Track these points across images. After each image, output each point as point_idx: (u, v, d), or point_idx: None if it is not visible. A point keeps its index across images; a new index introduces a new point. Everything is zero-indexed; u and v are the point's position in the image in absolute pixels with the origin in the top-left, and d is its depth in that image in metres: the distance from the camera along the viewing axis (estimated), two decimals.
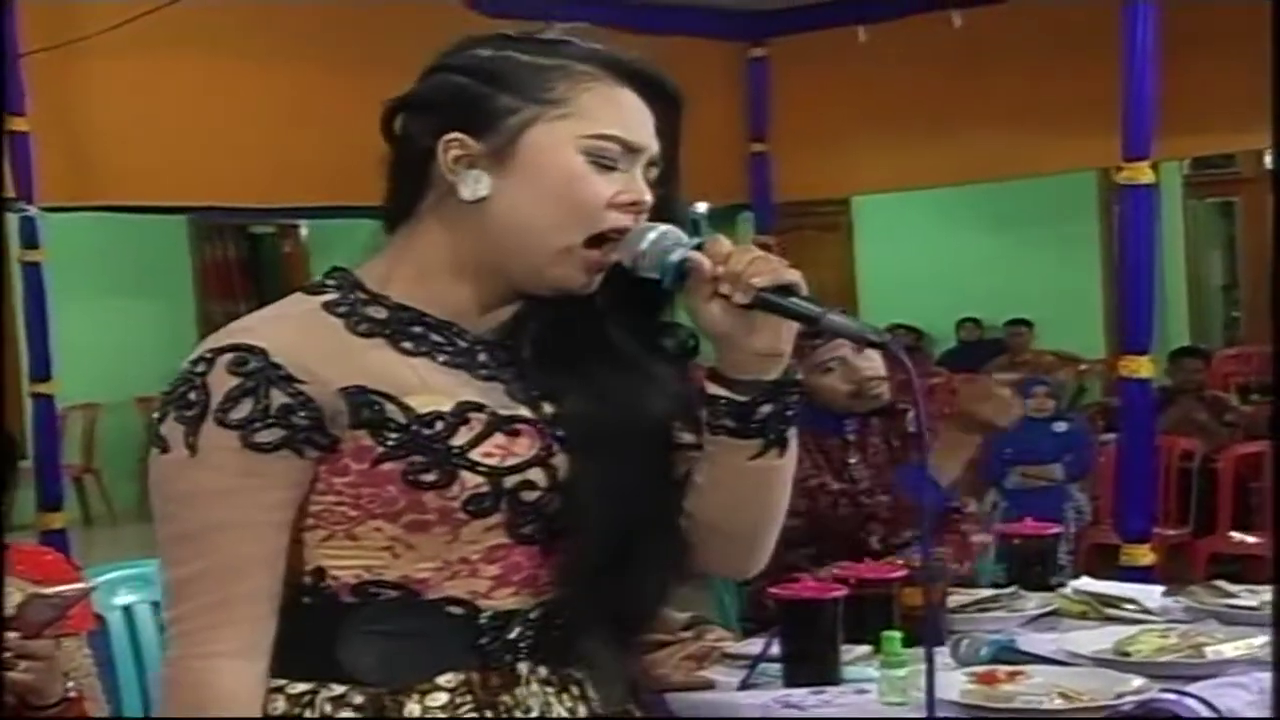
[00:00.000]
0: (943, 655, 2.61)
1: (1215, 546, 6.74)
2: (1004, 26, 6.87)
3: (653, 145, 1.48)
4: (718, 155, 7.45)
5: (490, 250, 1.46)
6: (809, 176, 7.61)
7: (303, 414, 1.38)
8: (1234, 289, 11.28)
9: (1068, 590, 3.01)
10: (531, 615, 1.45)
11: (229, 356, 1.40)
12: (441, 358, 1.45)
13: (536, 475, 1.42)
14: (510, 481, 1.41)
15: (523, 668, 1.45)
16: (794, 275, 1.42)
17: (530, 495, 1.42)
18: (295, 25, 6.28)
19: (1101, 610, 2.88)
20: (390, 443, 1.39)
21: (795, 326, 1.45)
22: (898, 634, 2.49)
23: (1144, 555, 4.86)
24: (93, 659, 2.54)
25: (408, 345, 1.45)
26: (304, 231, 11.56)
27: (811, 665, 2.55)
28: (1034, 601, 2.94)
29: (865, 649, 2.61)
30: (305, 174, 6.46)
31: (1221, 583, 2.97)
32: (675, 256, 1.45)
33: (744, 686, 2.58)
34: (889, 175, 7.63)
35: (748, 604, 3.38)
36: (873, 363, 3.26)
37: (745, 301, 1.41)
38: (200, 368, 1.41)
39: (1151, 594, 2.98)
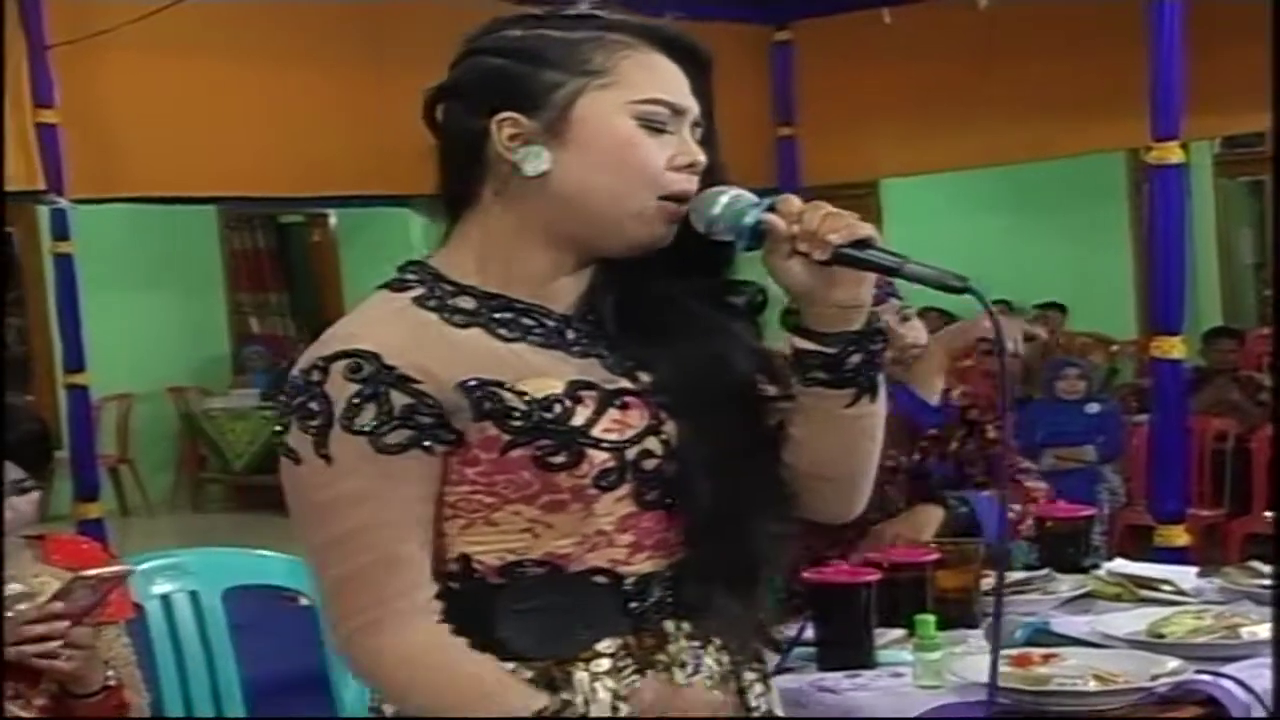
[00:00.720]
0: (976, 638, 2.61)
1: (1250, 527, 6.71)
2: (1030, 7, 6.82)
3: (694, 106, 1.52)
4: (744, 139, 7.40)
5: (563, 220, 1.49)
6: (836, 160, 7.58)
7: (425, 413, 1.42)
8: (1265, 268, 11.21)
9: (1102, 572, 3.00)
10: (667, 575, 1.50)
11: (343, 364, 1.42)
12: (536, 339, 1.49)
13: (653, 444, 1.47)
14: (632, 453, 1.46)
15: (669, 626, 1.51)
16: (868, 229, 1.46)
17: (650, 463, 1.47)
18: (323, 17, 6.29)
19: (1136, 592, 2.87)
20: (516, 429, 1.43)
21: (874, 278, 1.49)
22: (931, 617, 2.49)
23: (1178, 536, 4.85)
24: (131, 648, 2.56)
25: (503, 332, 1.48)
26: (333, 221, 11.58)
27: (845, 649, 2.55)
28: (1068, 584, 2.93)
29: (899, 633, 2.61)
30: (333, 164, 6.48)
31: (1256, 563, 2.96)
32: (750, 219, 1.48)
33: (778, 671, 2.57)
34: (916, 158, 7.60)
35: (783, 587, 3.38)
36: (916, 332, 3.26)
37: (824, 258, 1.45)
38: (315, 376, 1.43)
39: (1186, 575, 2.97)
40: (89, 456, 5.79)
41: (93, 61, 5.67)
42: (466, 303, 1.49)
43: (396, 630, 1.42)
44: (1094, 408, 6.94)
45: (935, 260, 1.54)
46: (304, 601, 2.99)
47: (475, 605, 1.45)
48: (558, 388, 1.45)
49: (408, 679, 1.43)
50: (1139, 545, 5.43)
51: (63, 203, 5.64)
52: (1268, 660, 2.38)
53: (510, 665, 1.45)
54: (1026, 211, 10.33)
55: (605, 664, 1.47)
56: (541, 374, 1.45)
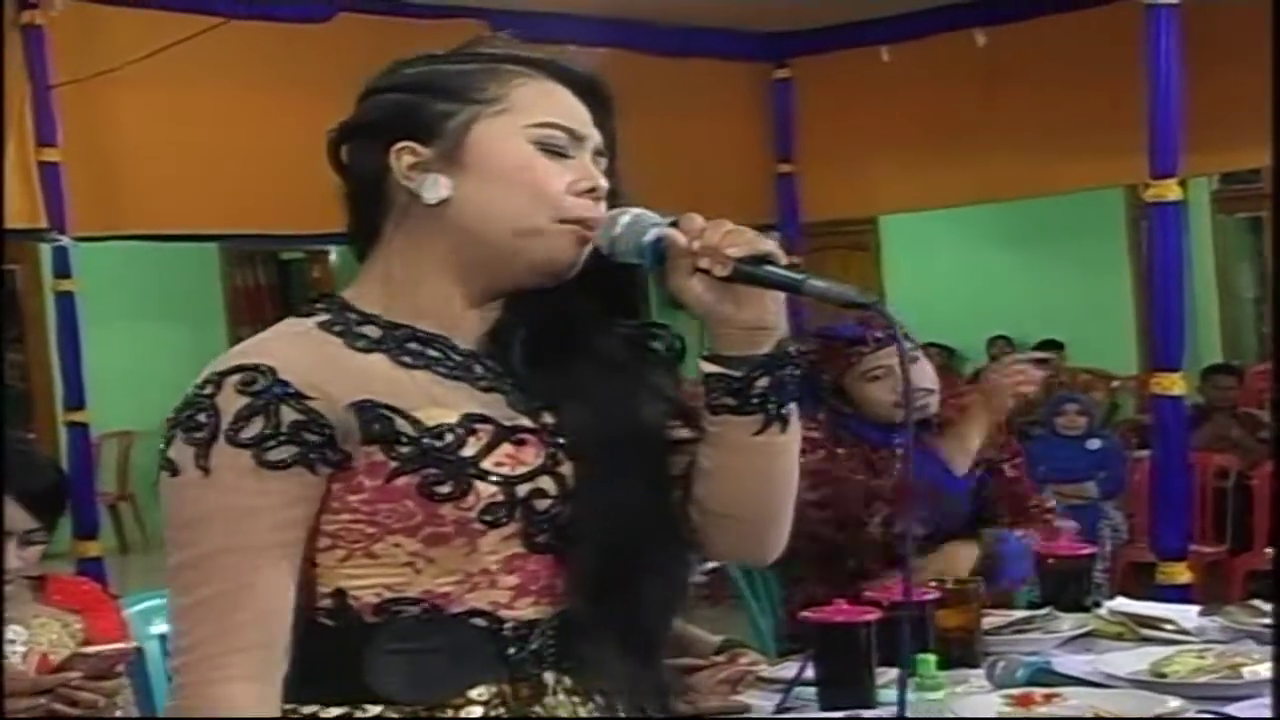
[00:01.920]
0: (978, 677, 2.60)
1: (1252, 563, 6.70)
2: (1027, 44, 6.87)
3: (595, 135, 1.51)
4: (744, 176, 7.47)
5: (464, 247, 1.47)
6: (835, 196, 7.61)
7: (314, 431, 1.38)
8: (1264, 303, 11.22)
9: (1104, 611, 2.99)
10: (552, 624, 1.46)
11: (237, 377, 1.40)
12: (441, 370, 1.46)
13: (546, 483, 1.43)
14: (523, 490, 1.42)
15: (549, 677, 1.46)
16: (770, 245, 1.42)
17: (542, 503, 1.42)
18: (324, 53, 6.31)
19: (1137, 631, 2.86)
20: (403, 456, 1.39)
21: (781, 297, 1.45)
22: (932, 657, 2.48)
23: (1181, 573, 4.84)
24: (130, 687, 2.55)
25: (407, 359, 1.45)
26: (333, 257, 11.61)
27: (846, 689, 2.54)
28: (1069, 622, 2.92)
29: (899, 672, 2.60)
30: (333, 200, 6.49)
31: (1258, 602, 2.95)
32: (650, 236, 1.45)
33: (779, 711, 2.57)
34: (915, 194, 7.62)
35: (783, 627, 3.38)
36: (922, 375, 3.26)
37: (724, 274, 1.41)
38: (208, 390, 1.41)
39: (1188, 614, 2.96)
40: (89, 494, 5.78)
41: (95, 100, 5.70)
42: (372, 331, 1.47)
43: (221, 685, 1.36)
44: (1095, 443, 6.94)
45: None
46: None
47: (346, 643, 1.41)
48: (451, 418, 1.41)
49: None
50: (1141, 582, 5.42)
51: (65, 240, 5.66)
52: (1269, 700, 2.37)
53: (376, 709, 1.40)
54: (1026, 246, 10.35)
55: (476, 712, 1.42)
56: (439, 403, 1.42)
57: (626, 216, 1.47)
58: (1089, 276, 10.18)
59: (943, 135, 7.20)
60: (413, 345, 1.46)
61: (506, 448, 1.42)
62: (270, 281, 11.82)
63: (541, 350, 1.49)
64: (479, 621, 1.42)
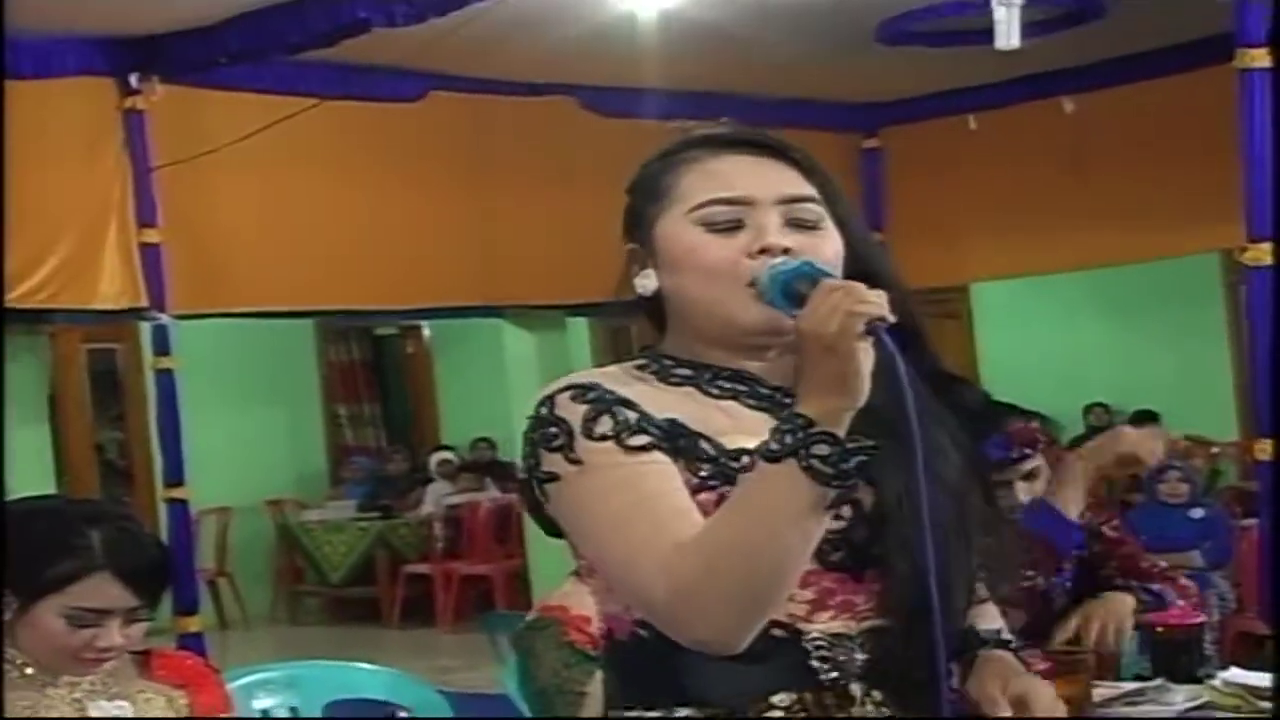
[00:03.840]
0: None
1: None
2: (1116, 110, 6.83)
3: (773, 190, 1.57)
4: None
5: (688, 323, 1.59)
6: (927, 264, 7.56)
7: (654, 424, 1.49)
8: None
9: (1217, 682, 2.91)
10: (858, 639, 1.52)
11: (568, 393, 1.52)
12: (749, 402, 1.56)
13: (841, 508, 1.47)
14: None
15: (856, 689, 1.52)
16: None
17: (834, 525, 1.47)
18: (420, 133, 6.42)
19: (1255, 703, 2.78)
20: (703, 474, 1.48)
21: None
22: None
23: None
24: None
25: (715, 390, 1.56)
26: (427, 332, 11.70)
27: None
28: (1182, 694, 2.85)
29: None
30: (428, 276, 6.57)
31: None
32: (779, 274, 1.50)
33: None
34: (1007, 262, 7.58)
35: None
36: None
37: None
38: (544, 409, 1.52)
39: None
40: (189, 570, 5.85)
41: (194, 181, 5.81)
42: (684, 370, 1.59)
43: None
44: (1198, 512, 6.79)
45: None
46: (403, 715, 2.98)
47: (660, 652, 1.48)
48: (751, 443, 1.47)
49: (710, 552, 1.41)
50: (1252, 653, 5.27)
51: (164, 319, 5.76)
52: None
53: (685, 712, 1.50)
54: (1121, 314, 10.22)
55: (776, 715, 1.49)
56: (743, 430, 1.51)
57: (779, 262, 1.51)
58: (1185, 343, 10.03)
59: (1033, 202, 7.16)
60: (723, 381, 1.57)
61: None
62: (365, 358, 11.92)
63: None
64: (778, 632, 1.49)
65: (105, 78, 5.65)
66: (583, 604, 2.70)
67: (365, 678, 3.03)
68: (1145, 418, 10.03)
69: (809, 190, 1.59)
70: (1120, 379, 10.22)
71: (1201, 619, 3.13)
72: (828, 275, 1.47)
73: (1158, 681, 2.90)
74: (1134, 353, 10.23)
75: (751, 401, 1.56)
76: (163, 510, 6.05)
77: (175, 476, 5.83)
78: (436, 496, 10.03)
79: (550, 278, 6.83)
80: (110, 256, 5.68)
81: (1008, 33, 5.06)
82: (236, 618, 10.00)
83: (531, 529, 2.88)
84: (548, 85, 6.50)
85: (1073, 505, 3.11)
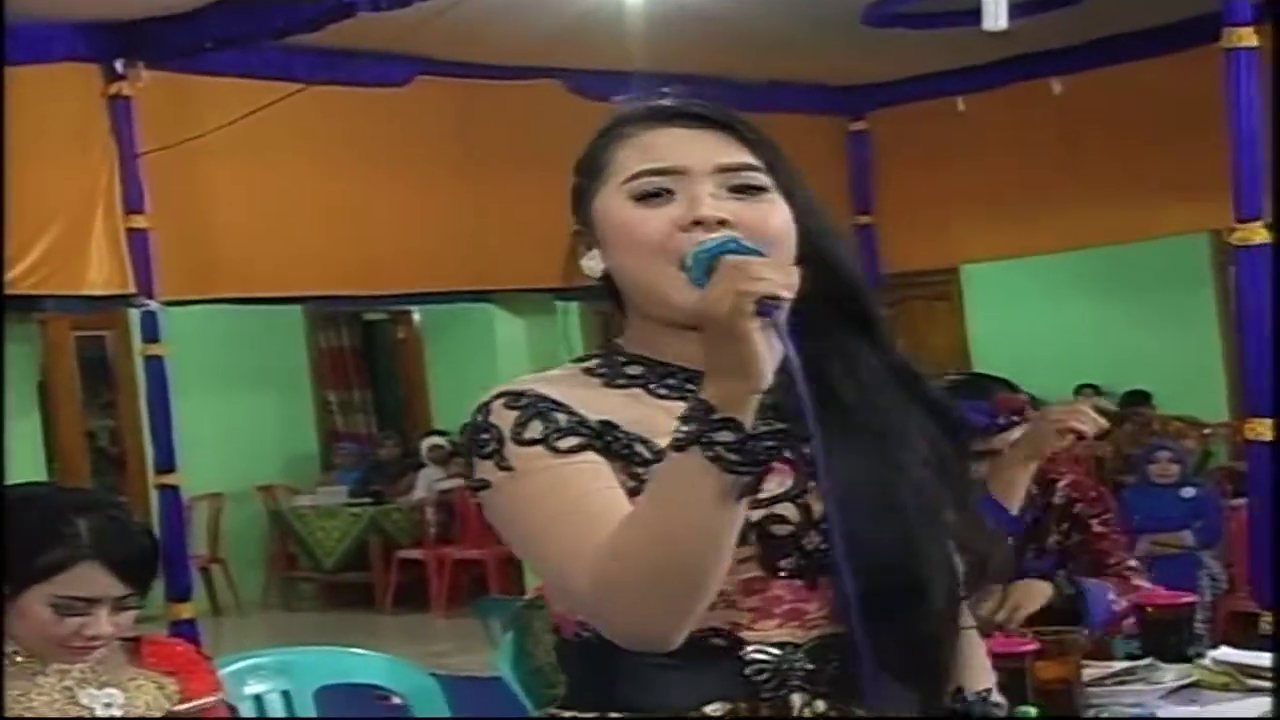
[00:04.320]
0: None
1: None
2: (1105, 91, 6.83)
3: (708, 159, 1.50)
4: None
5: (637, 305, 1.53)
6: (915, 247, 7.58)
7: (588, 425, 1.45)
8: None
9: (1207, 661, 2.92)
10: (803, 648, 1.46)
11: (502, 399, 1.48)
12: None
13: (787, 510, 1.44)
14: (756, 515, 1.42)
15: (796, 700, 1.46)
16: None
17: (782, 530, 1.44)
18: (399, 115, 6.40)
19: (1244, 681, 2.79)
20: (639, 477, 1.43)
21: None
22: (1032, 709, 2.44)
23: None
24: None
25: (662, 391, 1.51)
26: (417, 317, 11.68)
27: None
28: (1172, 673, 2.85)
29: None
30: (417, 261, 6.56)
31: None
32: (702, 251, 1.39)
33: None
34: (995, 243, 7.58)
35: None
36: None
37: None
38: (479, 416, 1.48)
39: None
40: (181, 556, 5.84)
41: (181, 167, 5.80)
42: (634, 369, 1.53)
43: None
44: (1189, 492, 6.80)
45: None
46: (395, 700, 2.98)
47: (601, 657, 1.45)
48: None
49: (625, 545, 1.35)
50: (1244, 632, 5.29)
51: (153, 305, 5.75)
52: None
53: (619, 716, 1.47)
54: (1111, 295, 10.23)
55: None
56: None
57: (704, 240, 1.42)
58: (1175, 323, 10.04)
59: (1022, 184, 7.16)
60: (671, 380, 1.51)
61: None
62: (354, 343, 11.91)
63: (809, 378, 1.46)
64: (717, 640, 1.44)
65: (91, 64, 5.64)
66: None
67: (358, 662, 3.04)
68: (1137, 398, 10.06)
69: (750, 159, 1.52)
70: (1111, 360, 10.23)
71: (1191, 600, 3.14)
72: (752, 252, 1.37)
73: (1147, 661, 2.91)
74: (1124, 334, 10.25)
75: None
76: (154, 497, 6.05)
77: (166, 463, 5.82)
78: (428, 482, 10.03)
79: (539, 262, 6.76)
80: (98, 243, 5.67)
81: (995, 14, 5.05)
82: (230, 604, 10.01)
83: None
84: (534, 69, 6.49)
85: (1013, 498, 3.05)
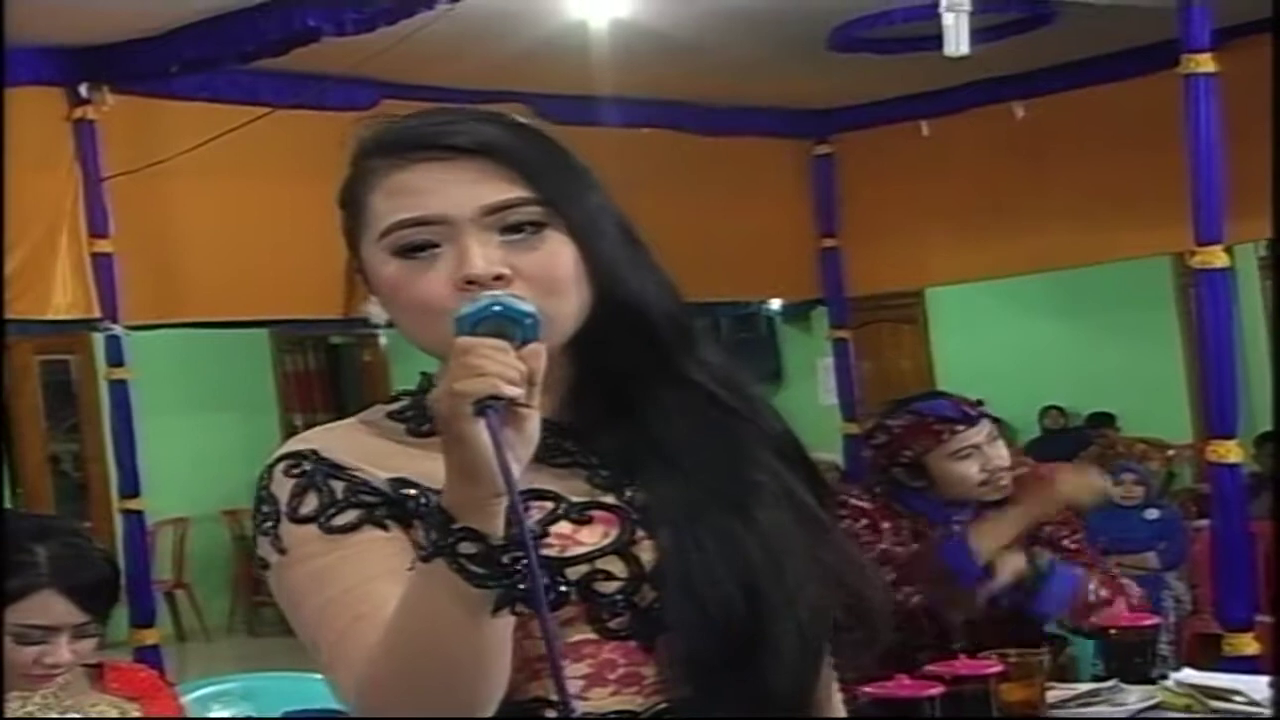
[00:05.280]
0: None
1: None
2: (1066, 116, 6.88)
3: (470, 202, 1.32)
4: (789, 252, 7.50)
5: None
6: (881, 270, 7.61)
7: (368, 495, 1.32)
8: None
9: (1170, 683, 2.94)
10: (643, 716, 1.34)
11: (283, 464, 1.36)
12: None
13: (613, 565, 1.32)
14: (576, 572, 1.31)
15: None
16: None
17: (608, 586, 1.31)
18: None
19: (1207, 703, 2.81)
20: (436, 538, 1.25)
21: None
22: None
23: (1248, 644, 4.77)
24: None
25: None
26: (383, 340, 11.68)
27: None
28: (1135, 695, 2.87)
29: None
30: None
31: None
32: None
33: None
34: (961, 266, 7.62)
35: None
36: (1002, 452, 3.27)
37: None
38: (263, 481, 1.37)
39: (1258, 685, 2.90)
40: (145, 582, 5.80)
41: (146, 191, 5.78)
42: None
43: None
44: (1153, 514, 6.85)
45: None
46: None
47: None
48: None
49: (379, 664, 1.24)
50: (1207, 654, 5.32)
51: (117, 330, 5.72)
52: None
53: None
54: (1075, 317, 10.31)
55: None
56: None
57: (467, 305, 1.25)
58: (1139, 346, 10.11)
59: (986, 207, 7.21)
60: None
61: (562, 526, 1.32)
62: (321, 367, 11.89)
63: (616, 420, 1.38)
64: (548, 713, 1.31)
65: (56, 87, 5.62)
66: None
67: (322, 688, 3.01)
68: (1101, 420, 10.12)
69: (520, 192, 1.33)
70: (1075, 382, 10.30)
71: (1155, 621, 3.17)
72: (521, 314, 1.22)
73: (1112, 683, 2.93)
74: (1089, 356, 10.32)
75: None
76: (119, 521, 6.01)
77: (131, 488, 5.79)
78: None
79: None
80: (62, 267, 5.64)
81: (956, 39, 5.09)
82: (195, 629, 9.95)
83: None
84: (500, 93, 6.49)
85: (990, 550, 3.09)
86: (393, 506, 1.32)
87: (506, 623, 1.22)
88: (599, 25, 5.65)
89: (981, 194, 7.17)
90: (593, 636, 1.33)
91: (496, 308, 1.22)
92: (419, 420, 1.38)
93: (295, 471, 1.34)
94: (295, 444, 1.38)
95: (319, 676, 3.17)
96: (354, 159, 1.40)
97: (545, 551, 1.29)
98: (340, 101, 6.25)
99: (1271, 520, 6.74)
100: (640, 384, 1.38)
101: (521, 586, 1.19)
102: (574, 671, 1.32)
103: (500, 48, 5.78)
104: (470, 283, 1.29)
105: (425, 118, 1.39)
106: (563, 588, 1.30)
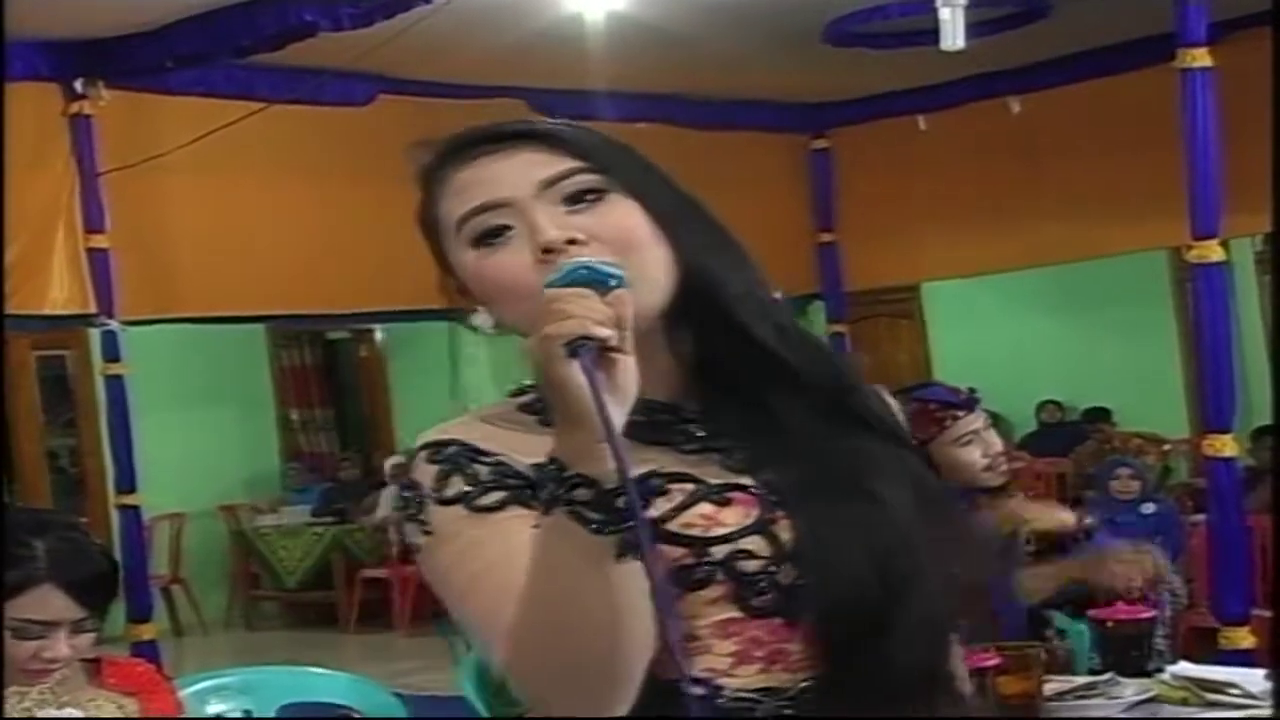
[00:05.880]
0: None
1: None
2: (1063, 110, 6.89)
3: (527, 179, 1.36)
4: (785, 246, 7.49)
5: None
6: (878, 264, 7.62)
7: (512, 478, 1.35)
8: None
9: (1167, 676, 2.94)
10: (790, 694, 1.35)
11: (425, 452, 1.39)
12: (648, 435, 1.36)
13: (754, 544, 1.34)
14: (720, 552, 1.33)
15: None
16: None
17: (750, 565, 1.34)
18: (368, 136, 6.39)
19: (1203, 696, 2.81)
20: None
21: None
22: None
23: (1244, 638, 4.78)
24: None
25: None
26: (379, 336, 11.67)
27: None
28: (1132, 688, 2.88)
29: None
30: (379, 279, 6.54)
31: None
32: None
33: None
34: (957, 261, 7.63)
35: None
36: (997, 439, 3.38)
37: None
38: (408, 472, 1.40)
39: (1254, 678, 2.91)
40: (142, 577, 5.80)
41: (143, 187, 5.78)
42: None
43: None
44: (1150, 508, 6.85)
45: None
46: (357, 717, 2.97)
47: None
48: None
49: (519, 625, 1.26)
50: (1204, 648, 5.33)
51: (113, 325, 5.72)
52: None
53: None
54: (1072, 311, 10.30)
55: None
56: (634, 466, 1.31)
57: (553, 272, 1.28)
58: (1135, 340, 10.12)
59: (983, 201, 7.21)
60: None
61: (704, 507, 1.35)
62: (317, 362, 11.87)
63: (736, 405, 1.41)
64: (698, 690, 1.32)
65: (51, 82, 5.61)
66: None
67: (320, 681, 3.03)
68: (1097, 415, 10.12)
69: (572, 163, 1.38)
70: (1072, 376, 10.30)
71: (1151, 615, 3.17)
72: (607, 274, 1.25)
73: (1108, 676, 2.94)
74: (1085, 350, 10.32)
75: (651, 436, 1.36)
76: (115, 517, 6.01)
77: (127, 483, 5.79)
78: (391, 500, 10.00)
79: None
80: (59, 262, 5.64)
81: (953, 33, 5.09)
82: (192, 624, 9.95)
83: None
84: (496, 88, 6.50)
85: (1033, 597, 3.18)
86: (533, 491, 1.33)
87: (634, 570, 1.23)
88: (595, 19, 5.65)
89: (978, 189, 7.17)
90: (738, 615, 1.35)
91: (583, 270, 1.25)
92: (546, 410, 1.36)
93: (438, 458, 1.37)
94: (434, 435, 1.40)
95: (316, 670, 3.18)
96: (420, 183, 1.44)
97: (689, 532, 1.33)
98: (336, 96, 6.25)
99: (1269, 514, 6.75)
100: (751, 369, 1.41)
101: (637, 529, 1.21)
102: (721, 649, 1.34)
103: (496, 42, 5.78)
104: (547, 251, 1.33)
105: (473, 127, 1.44)
106: (708, 567, 1.33)
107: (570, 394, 1.20)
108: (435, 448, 1.38)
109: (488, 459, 1.36)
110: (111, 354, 5.76)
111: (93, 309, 5.68)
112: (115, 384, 5.79)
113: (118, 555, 5.67)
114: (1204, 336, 4.96)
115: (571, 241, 1.33)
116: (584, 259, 1.28)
